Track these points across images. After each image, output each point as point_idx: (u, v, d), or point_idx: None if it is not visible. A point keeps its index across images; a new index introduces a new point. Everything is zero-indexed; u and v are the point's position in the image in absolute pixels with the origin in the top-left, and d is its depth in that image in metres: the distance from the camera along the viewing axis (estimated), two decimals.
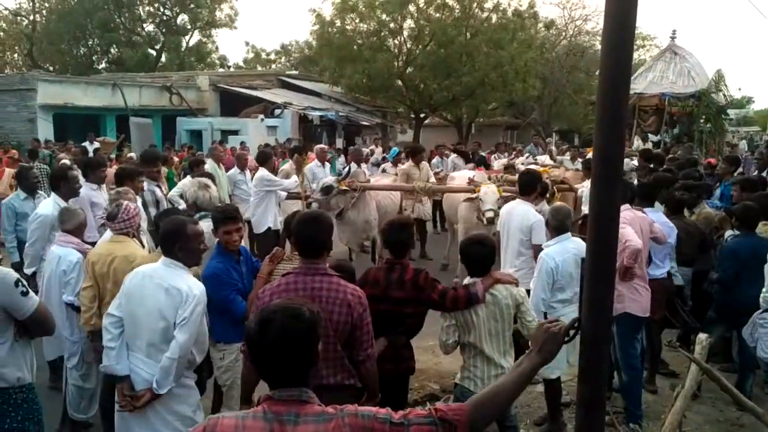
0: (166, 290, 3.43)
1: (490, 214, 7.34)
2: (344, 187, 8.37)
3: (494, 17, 25.64)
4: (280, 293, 3.14)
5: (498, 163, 12.60)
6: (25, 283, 3.12)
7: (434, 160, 13.00)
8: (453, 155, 13.81)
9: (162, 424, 3.51)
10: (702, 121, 19.50)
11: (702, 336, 4.15)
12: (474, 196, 7.83)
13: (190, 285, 3.49)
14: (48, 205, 5.69)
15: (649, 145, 17.10)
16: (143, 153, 9.06)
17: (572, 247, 4.70)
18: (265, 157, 9.42)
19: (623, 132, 2.29)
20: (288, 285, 3.20)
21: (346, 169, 9.39)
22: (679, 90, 19.77)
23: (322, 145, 11.92)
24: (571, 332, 2.21)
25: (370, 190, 8.96)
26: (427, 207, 10.22)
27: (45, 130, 19.93)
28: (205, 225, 4.71)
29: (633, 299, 4.99)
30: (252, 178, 9.72)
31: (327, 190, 8.27)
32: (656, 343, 5.81)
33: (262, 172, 9.06)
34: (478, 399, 2.01)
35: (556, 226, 4.82)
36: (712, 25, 75.91)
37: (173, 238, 3.57)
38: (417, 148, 10.82)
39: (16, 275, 3.11)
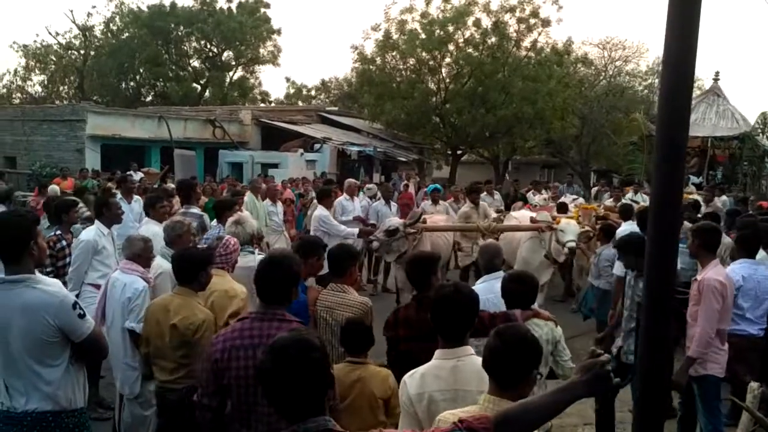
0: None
1: (572, 245, 7.54)
2: (412, 230, 7.79)
3: (532, 55, 25.78)
4: (234, 340, 2.97)
5: (538, 198, 12.38)
6: (81, 305, 3.18)
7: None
8: (483, 194, 13.71)
9: None
10: (746, 164, 19.19)
11: (754, 384, 4.06)
12: (555, 226, 7.85)
13: None
14: (90, 231, 5.79)
15: (692, 188, 16.84)
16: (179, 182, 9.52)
17: (498, 288, 4.33)
18: (322, 195, 8.89)
19: (682, 175, 2.32)
20: (243, 331, 3.00)
21: (419, 208, 9.05)
22: (722, 132, 19.53)
23: (352, 180, 11.62)
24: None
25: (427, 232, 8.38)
26: None
27: (92, 160, 20.55)
28: (246, 259, 4.85)
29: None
30: (280, 209, 10.22)
31: (392, 232, 7.70)
32: None
33: (321, 211, 8.53)
34: (505, 412, 1.96)
35: (484, 265, 4.78)
36: (756, 66, 74.74)
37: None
38: (475, 188, 10.37)
39: (74, 298, 3.20)
